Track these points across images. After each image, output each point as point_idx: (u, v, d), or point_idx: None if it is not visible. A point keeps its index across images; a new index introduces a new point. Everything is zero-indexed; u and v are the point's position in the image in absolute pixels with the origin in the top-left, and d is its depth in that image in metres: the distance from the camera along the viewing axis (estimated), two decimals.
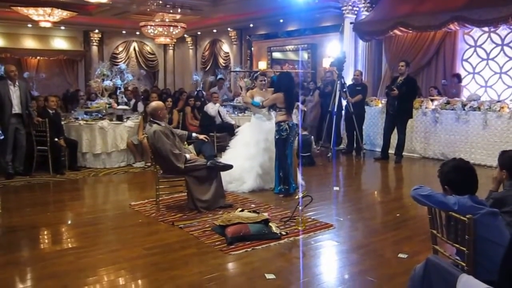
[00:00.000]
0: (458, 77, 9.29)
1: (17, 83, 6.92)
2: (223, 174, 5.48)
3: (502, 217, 2.52)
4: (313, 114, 10.34)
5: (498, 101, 7.94)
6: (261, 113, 6.35)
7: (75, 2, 11.28)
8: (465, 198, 2.48)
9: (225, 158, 6.19)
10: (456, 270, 1.91)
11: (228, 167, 5.38)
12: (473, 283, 1.37)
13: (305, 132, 8.34)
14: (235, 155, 6.16)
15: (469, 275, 1.37)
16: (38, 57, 15.04)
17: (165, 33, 13.02)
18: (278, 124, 5.94)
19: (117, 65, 11.62)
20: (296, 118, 7.37)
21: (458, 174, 2.59)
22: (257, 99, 6.38)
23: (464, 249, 2.42)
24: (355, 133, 8.85)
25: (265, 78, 6.62)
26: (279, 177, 5.92)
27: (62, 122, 7.68)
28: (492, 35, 9.02)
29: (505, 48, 8.87)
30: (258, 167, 6.10)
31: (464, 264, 2.41)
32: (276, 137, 5.93)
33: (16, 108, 6.84)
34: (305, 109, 10.09)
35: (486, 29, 8.87)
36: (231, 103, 10.74)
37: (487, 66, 9.16)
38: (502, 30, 8.77)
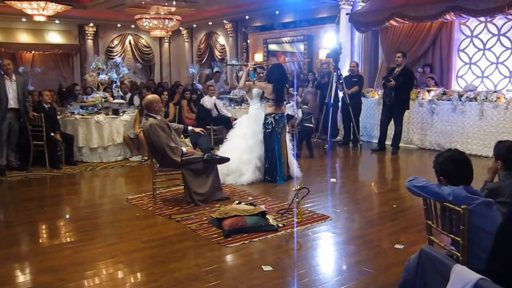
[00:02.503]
0: (431, 67, 9.47)
1: (14, 78, 6.87)
2: (221, 166, 5.49)
3: (496, 207, 2.53)
4: (313, 106, 10.26)
5: (495, 92, 7.95)
6: (259, 104, 6.36)
7: None
8: (460, 188, 2.49)
9: (223, 150, 6.20)
10: (450, 260, 1.92)
11: (225, 159, 5.39)
12: (466, 273, 1.38)
13: (305, 106, 8.31)
14: (233, 147, 6.18)
15: (463, 265, 1.38)
16: (33, 52, 14.92)
17: (160, 26, 12.93)
18: (265, 116, 6.11)
19: (112, 58, 11.58)
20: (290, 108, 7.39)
21: (453, 165, 2.60)
22: (254, 91, 6.38)
23: (459, 239, 2.43)
24: (351, 125, 8.85)
25: (264, 71, 6.62)
26: (264, 167, 6.10)
27: (58, 117, 7.66)
28: (489, 25, 9.00)
29: (502, 38, 8.85)
30: (256, 159, 6.13)
31: (459, 254, 2.43)
32: (263, 130, 6.09)
33: (12, 103, 6.79)
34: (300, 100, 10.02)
35: (482, 19, 8.85)
36: (228, 96, 10.72)
37: (483, 56, 9.15)
38: (499, 20, 8.75)
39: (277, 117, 6.06)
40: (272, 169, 6.06)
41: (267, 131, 6.06)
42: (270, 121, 6.05)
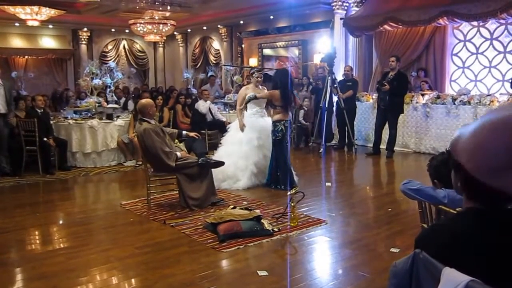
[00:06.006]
0: (425, 71, 9.55)
1: (0, 82, 6.80)
2: (216, 172, 5.46)
3: None
4: (308, 110, 10.25)
5: (488, 95, 8.00)
6: (255, 109, 6.27)
7: (63, 0, 11.16)
8: (454, 191, 2.48)
9: (218, 155, 6.13)
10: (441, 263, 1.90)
11: (220, 163, 5.36)
12: (456, 275, 1.36)
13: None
14: (228, 153, 6.10)
15: (452, 268, 1.37)
16: (26, 56, 14.87)
17: (155, 30, 12.92)
18: (274, 123, 5.88)
19: (106, 63, 11.54)
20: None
21: (448, 168, 2.59)
22: (251, 95, 6.30)
23: None
24: (346, 129, 8.86)
25: (262, 75, 6.57)
26: (271, 175, 5.91)
27: (52, 122, 7.60)
28: (481, 29, 9.07)
29: (494, 42, 8.92)
30: (252, 165, 6.04)
31: None
32: (272, 137, 5.89)
33: (1, 108, 6.73)
34: (305, 108, 9.79)
35: (475, 23, 8.92)
36: (222, 100, 10.71)
37: (476, 60, 9.22)
38: (491, 24, 8.82)
39: (287, 124, 5.83)
40: (285, 178, 5.78)
41: (277, 138, 5.80)
42: (280, 128, 5.79)
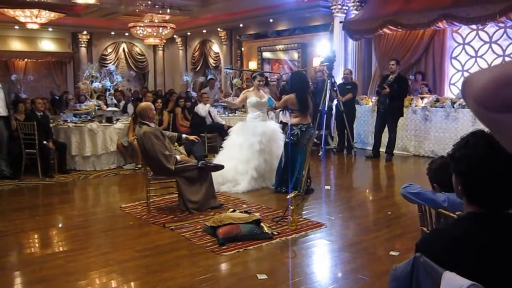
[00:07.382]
0: (422, 75, 9.59)
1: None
2: (216, 175, 5.45)
3: None
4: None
5: None
6: (257, 113, 6.23)
7: (62, 3, 11.19)
8: (454, 195, 2.49)
9: (218, 159, 6.11)
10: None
11: (219, 167, 5.36)
12: (456, 279, 1.37)
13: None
14: (229, 157, 6.09)
15: (453, 272, 1.37)
16: (26, 59, 14.89)
17: (155, 33, 12.95)
18: (290, 127, 5.82)
19: (106, 66, 11.55)
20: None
21: (447, 172, 2.59)
22: (253, 99, 6.28)
23: None
24: (346, 132, 8.87)
25: (263, 79, 6.55)
26: (280, 178, 5.83)
27: (51, 125, 7.60)
28: (480, 32, 9.09)
29: (493, 45, 8.94)
30: (252, 170, 6.01)
31: None
32: (286, 140, 5.82)
33: (1, 110, 6.74)
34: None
35: (474, 26, 8.94)
36: (222, 104, 10.70)
37: (475, 63, 9.23)
38: (490, 27, 8.85)
39: (304, 129, 5.72)
40: (297, 181, 5.65)
41: (291, 141, 5.69)
42: (296, 132, 5.71)
